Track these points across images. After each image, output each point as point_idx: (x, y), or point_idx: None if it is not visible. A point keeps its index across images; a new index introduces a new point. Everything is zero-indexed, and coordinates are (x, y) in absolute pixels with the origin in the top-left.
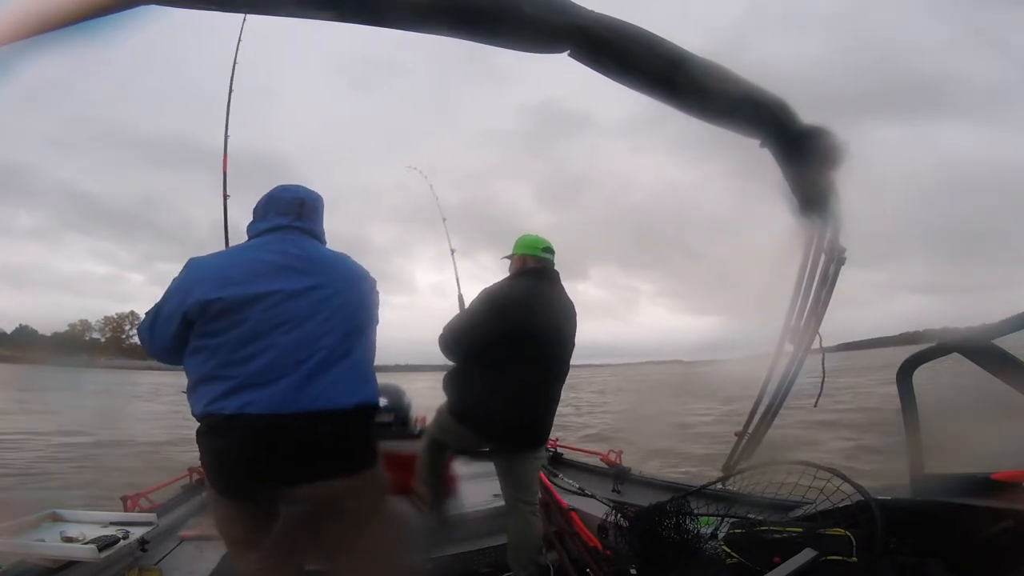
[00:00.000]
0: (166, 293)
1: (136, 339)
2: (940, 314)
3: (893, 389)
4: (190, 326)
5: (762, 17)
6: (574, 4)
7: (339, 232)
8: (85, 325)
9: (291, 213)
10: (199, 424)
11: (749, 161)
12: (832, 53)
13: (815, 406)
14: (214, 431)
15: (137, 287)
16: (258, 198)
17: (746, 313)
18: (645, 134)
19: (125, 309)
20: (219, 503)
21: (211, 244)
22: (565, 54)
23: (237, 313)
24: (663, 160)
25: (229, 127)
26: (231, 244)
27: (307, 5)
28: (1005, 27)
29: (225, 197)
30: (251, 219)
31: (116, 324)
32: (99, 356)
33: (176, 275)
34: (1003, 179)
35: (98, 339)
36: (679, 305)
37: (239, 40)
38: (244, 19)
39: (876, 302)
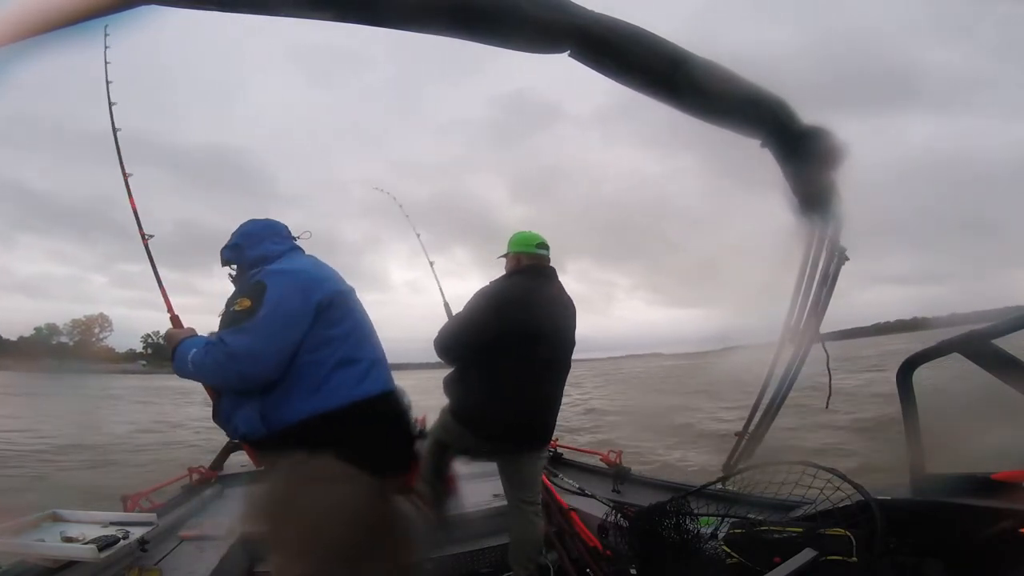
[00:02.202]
0: (276, 301)
1: (107, 341)
2: (911, 304)
3: (873, 378)
4: (314, 322)
5: (727, 7)
6: (574, 4)
7: (315, 229)
8: (53, 328)
9: (290, 237)
10: (335, 414)
11: (724, 153)
12: (798, 44)
13: (827, 407)
14: (369, 413)
15: (101, 288)
16: (228, 197)
17: (723, 307)
18: (617, 124)
19: (89, 311)
20: (341, 488)
21: (176, 243)
22: (565, 54)
23: (347, 304)
24: (636, 152)
25: (187, 127)
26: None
27: (307, 5)
28: (973, 16)
29: (144, 238)
30: (244, 244)
31: (85, 327)
32: (69, 360)
33: (268, 284)
34: (968, 170)
35: (67, 343)
36: (656, 299)
37: (105, 62)
38: (105, 30)
39: (847, 294)
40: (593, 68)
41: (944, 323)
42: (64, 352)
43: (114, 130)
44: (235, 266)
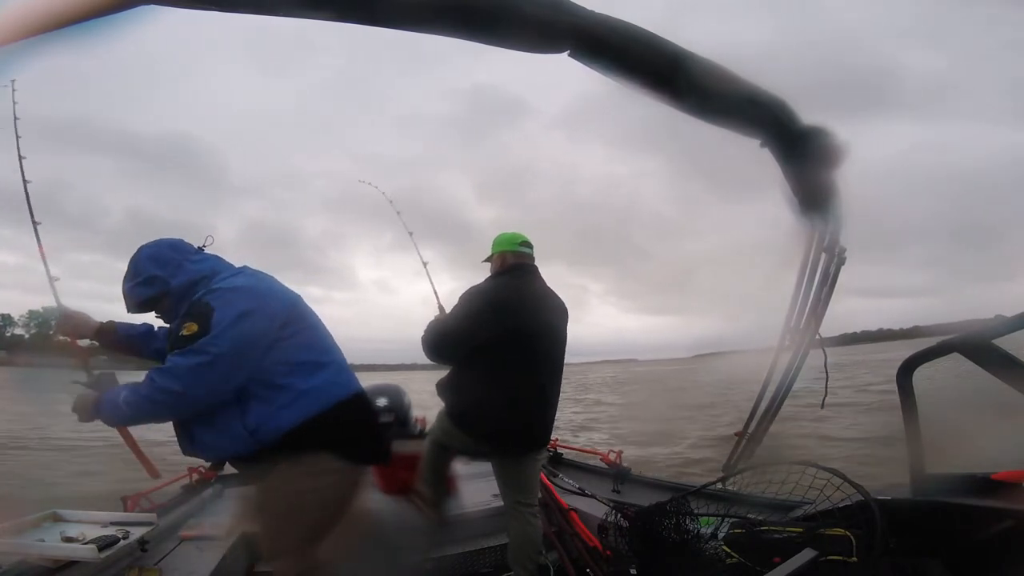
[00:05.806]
0: (229, 321)
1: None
2: (877, 316)
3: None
4: (279, 334)
5: (697, 5)
6: (574, 4)
7: (273, 223)
8: (7, 319)
9: (198, 249)
10: (322, 416)
11: (697, 158)
12: (772, 43)
13: (821, 407)
14: (349, 412)
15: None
16: (175, 186)
17: (699, 315)
18: (588, 125)
19: (41, 302)
20: (339, 475)
21: (126, 233)
22: (565, 54)
23: (303, 311)
24: (607, 153)
25: (147, 113)
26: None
27: (307, 5)
28: (950, 21)
29: (52, 281)
30: (163, 273)
31: (42, 319)
32: (22, 353)
33: (215, 305)
34: (936, 180)
35: (22, 335)
36: (629, 305)
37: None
38: None
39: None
40: (593, 68)
41: (909, 334)
42: (19, 345)
43: (25, 184)
44: (161, 303)
